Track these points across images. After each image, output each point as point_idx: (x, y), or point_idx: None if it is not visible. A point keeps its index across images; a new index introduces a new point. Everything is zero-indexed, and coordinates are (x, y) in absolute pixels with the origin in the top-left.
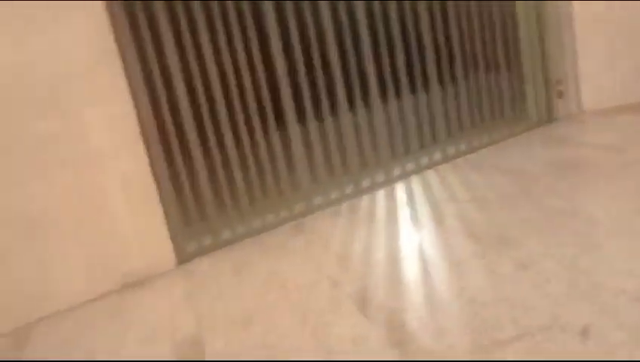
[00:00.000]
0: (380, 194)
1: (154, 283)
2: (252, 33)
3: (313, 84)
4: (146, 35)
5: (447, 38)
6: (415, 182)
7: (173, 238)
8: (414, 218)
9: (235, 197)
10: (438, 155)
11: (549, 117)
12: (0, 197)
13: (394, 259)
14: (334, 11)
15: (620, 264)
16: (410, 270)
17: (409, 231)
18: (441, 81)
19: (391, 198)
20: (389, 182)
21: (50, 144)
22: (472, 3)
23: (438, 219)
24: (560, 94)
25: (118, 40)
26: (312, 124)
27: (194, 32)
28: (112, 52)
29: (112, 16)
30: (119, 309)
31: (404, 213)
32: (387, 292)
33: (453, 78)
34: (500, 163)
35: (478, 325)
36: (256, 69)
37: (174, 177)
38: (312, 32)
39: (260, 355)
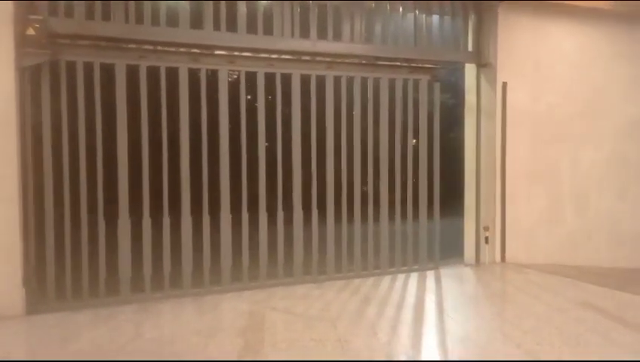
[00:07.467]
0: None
1: None
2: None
3: None
4: (46, 107)
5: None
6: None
7: (27, 291)
8: None
9: (92, 274)
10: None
11: (476, 260)
12: None
13: None
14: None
15: None
16: None
17: None
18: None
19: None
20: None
21: None
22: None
23: None
24: (487, 240)
25: (18, 108)
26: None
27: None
28: (12, 121)
29: (19, 87)
30: None
31: None
32: None
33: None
34: None
35: None
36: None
37: (41, 241)
38: None
39: None
